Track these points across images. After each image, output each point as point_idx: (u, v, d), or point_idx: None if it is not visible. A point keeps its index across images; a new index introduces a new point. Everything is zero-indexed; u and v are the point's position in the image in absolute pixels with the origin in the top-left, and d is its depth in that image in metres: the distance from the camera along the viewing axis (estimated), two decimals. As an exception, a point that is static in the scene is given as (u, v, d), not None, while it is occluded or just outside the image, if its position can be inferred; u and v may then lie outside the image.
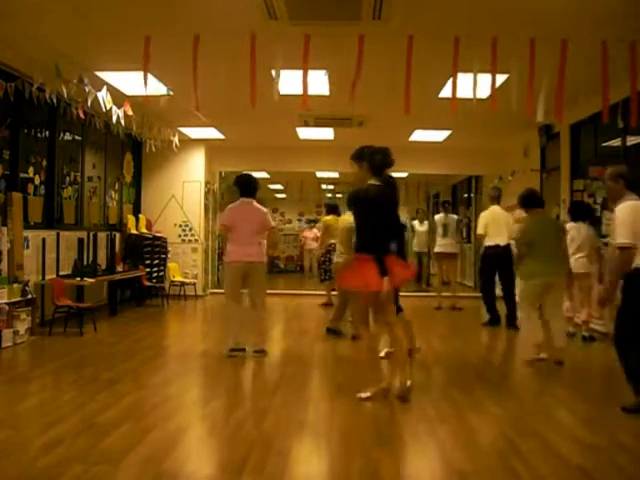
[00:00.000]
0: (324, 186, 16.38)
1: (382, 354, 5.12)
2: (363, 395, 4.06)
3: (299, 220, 19.69)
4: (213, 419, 3.79)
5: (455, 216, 9.79)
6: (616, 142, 6.98)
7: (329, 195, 17.43)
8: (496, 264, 7.39)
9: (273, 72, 4.99)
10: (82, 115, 6.19)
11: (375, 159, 4.12)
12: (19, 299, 6.10)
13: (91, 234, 7.92)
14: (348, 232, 5.23)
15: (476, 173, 12.04)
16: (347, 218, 5.77)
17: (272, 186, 17.17)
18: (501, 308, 7.39)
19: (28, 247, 6.67)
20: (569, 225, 6.23)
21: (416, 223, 12.14)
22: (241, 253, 5.49)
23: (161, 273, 9.93)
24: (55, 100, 5.78)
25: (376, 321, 4.23)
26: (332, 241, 8.10)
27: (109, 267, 8.29)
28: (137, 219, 9.90)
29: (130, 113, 6.62)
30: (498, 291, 7.52)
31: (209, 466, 3.10)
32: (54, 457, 2.96)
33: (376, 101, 7.03)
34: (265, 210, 5.80)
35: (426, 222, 11.87)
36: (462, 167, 11.41)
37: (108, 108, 6.22)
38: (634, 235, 3.75)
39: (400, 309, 5.37)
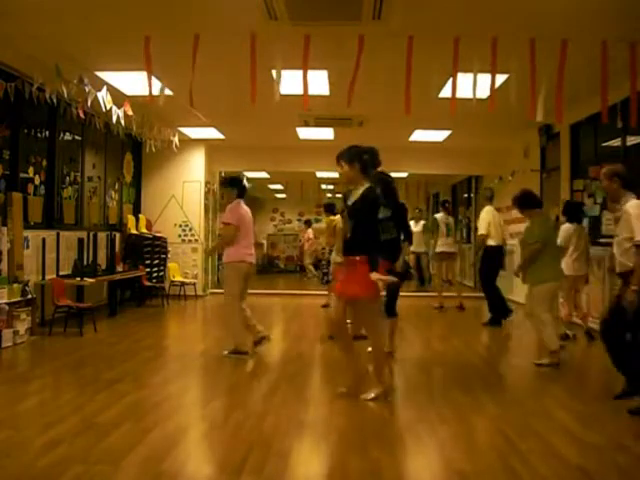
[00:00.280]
0: (324, 186, 16.38)
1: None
2: (367, 396, 4.04)
3: (299, 220, 19.70)
4: (213, 419, 3.79)
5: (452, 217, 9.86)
6: (616, 142, 6.98)
7: (329, 195, 17.43)
8: (499, 264, 7.46)
9: (274, 73, 4.99)
10: (82, 115, 6.18)
11: (365, 159, 4.09)
12: (19, 299, 6.09)
13: (91, 234, 7.92)
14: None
15: (476, 173, 12.05)
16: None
17: (272, 186, 17.19)
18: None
19: (28, 247, 6.67)
20: (568, 226, 6.21)
21: (412, 223, 12.11)
22: (247, 254, 5.51)
23: (161, 273, 9.93)
24: (55, 100, 5.78)
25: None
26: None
27: (109, 267, 8.29)
28: (137, 219, 9.90)
29: (130, 113, 6.63)
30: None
31: (209, 466, 3.10)
32: (54, 457, 2.96)
33: (376, 101, 7.03)
34: None
35: (422, 222, 11.85)
36: (462, 167, 11.41)
37: (108, 108, 6.22)
38: None
39: (394, 314, 5.37)
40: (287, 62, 4.92)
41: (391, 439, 3.42)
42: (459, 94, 4.96)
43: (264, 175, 13.93)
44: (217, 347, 5.79)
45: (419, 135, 9.57)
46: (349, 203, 4.12)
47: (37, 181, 7.08)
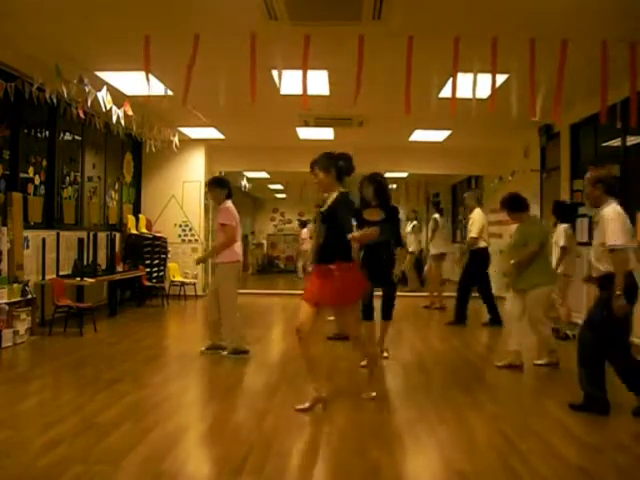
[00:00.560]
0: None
1: (363, 362, 5.13)
2: (300, 406, 3.87)
3: (299, 220, 19.72)
4: (213, 419, 3.79)
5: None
6: (616, 142, 6.98)
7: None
8: (487, 265, 7.54)
9: (275, 73, 4.99)
10: (82, 115, 6.19)
11: (340, 165, 4.05)
12: (19, 299, 6.10)
13: (91, 234, 7.92)
14: None
15: (476, 173, 12.06)
16: None
17: (272, 186, 17.18)
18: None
19: (28, 247, 6.67)
20: (565, 226, 6.20)
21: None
22: (240, 253, 5.57)
23: (161, 273, 9.94)
24: (55, 100, 5.78)
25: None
26: None
27: (109, 267, 8.29)
28: (137, 219, 9.90)
29: (130, 113, 6.63)
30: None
31: (209, 466, 3.10)
32: (54, 457, 2.97)
33: (376, 101, 7.03)
34: None
35: (414, 222, 11.82)
36: (462, 167, 11.41)
37: (108, 108, 6.23)
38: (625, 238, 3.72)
39: (389, 317, 5.35)
40: (287, 62, 4.92)
41: (391, 439, 3.42)
42: (459, 94, 4.96)
43: (264, 175, 13.93)
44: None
45: (419, 135, 9.57)
46: (323, 209, 4.09)
47: (37, 181, 7.08)
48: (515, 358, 5.12)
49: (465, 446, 3.30)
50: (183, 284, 10.14)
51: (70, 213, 7.95)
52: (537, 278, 5.00)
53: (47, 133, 7.39)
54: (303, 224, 16.30)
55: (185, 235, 10.58)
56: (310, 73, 4.92)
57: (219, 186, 5.67)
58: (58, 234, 7.28)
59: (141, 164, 10.55)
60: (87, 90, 5.78)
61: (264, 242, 19.56)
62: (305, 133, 9.56)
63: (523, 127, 8.71)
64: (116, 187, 9.58)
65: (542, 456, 3.11)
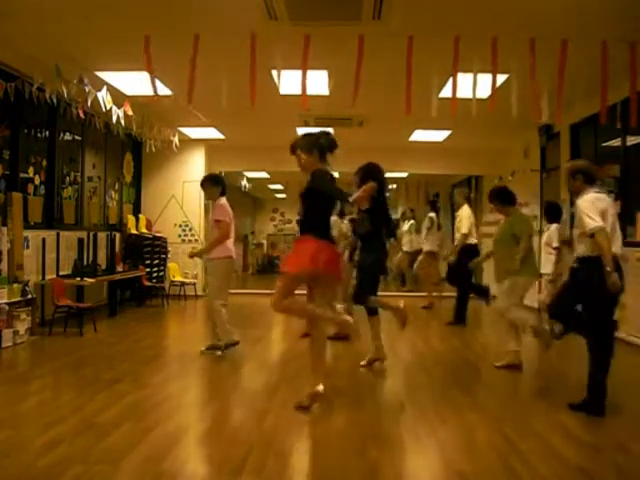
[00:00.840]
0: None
1: (364, 362, 5.12)
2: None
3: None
4: (213, 419, 3.79)
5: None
6: (616, 142, 6.98)
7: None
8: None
9: (275, 73, 4.99)
10: (82, 115, 6.19)
11: (322, 144, 4.00)
12: (19, 299, 6.10)
13: (91, 234, 7.92)
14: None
15: (476, 173, 12.05)
16: None
17: (272, 186, 17.19)
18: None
19: (28, 247, 6.67)
20: (557, 226, 6.20)
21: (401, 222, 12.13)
22: (232, 249, 5.59)
23: (161, 273, 9.94)
24: (55, 100, 5.78)
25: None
26: None
27: (109, 267, 8.29)
28: (137, 219, 9.90)
29: (130, 113, 6.63)
30: None
31: (209, 466, 3.10)
32: (54, 457, 2.97)
33: (376, 101, 7.03)
34: None
35: (412, 221, 11.81)
36: (462, 167, 11.41)
37: (108, 108, 6.23)
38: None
39: (375, 312, 5.21)
40: (287, 62, 4.92)
41: (390, 439, 3.42)
42: (459, 94, 4.96)
43: (264, 175, 13.93)
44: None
45: (419, 135, 9.58)
46: (301, 191, 4.02)
47: (37, 181, 7.08)
48: (514, 358, 5.12)
49: (465, 446, 3.30)
50: (183, 284, 10.14)
51: (70, 213, 7.95)
52: (518, 267, 5.01)
53: (47, 133, 7.39)
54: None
55: (185, 235, 10.58)
56: (310, 73, 4.92)
57: (214, 183, 5.69)
58: (58, 234, 7.28)
59: (141, 164, 10.54)
60: (87, 90, 5.78)
61: (264, 242, 19.57)
62: (305, 133, 9.55)
63: (523, 127, 8.70)
64: (116, 187, 9.58)
65: (542, 456, 3.11)
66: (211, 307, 5.54)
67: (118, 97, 6.51)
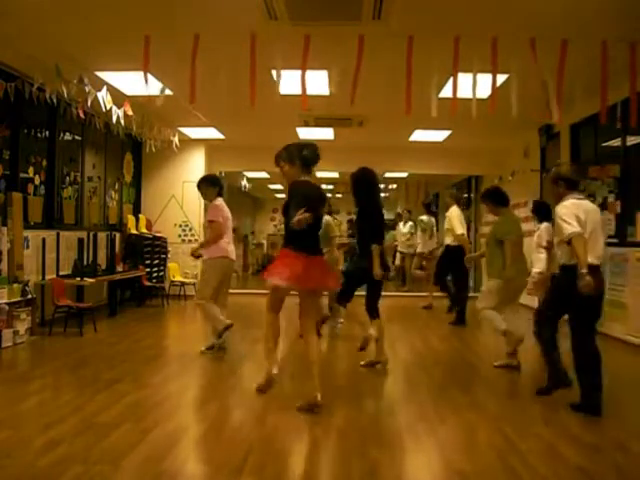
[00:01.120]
0: (324, 186, 16.39)
1: (363, 363, 5.13)
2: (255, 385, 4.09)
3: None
4: (213, 419, 3.79)
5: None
6: (616, 142, 6.98)
7: (329, 195, 17.43)
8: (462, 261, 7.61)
9: (274, 73, 4.99)
10: (82, 115, 6.19)
11: (305, 155, 4.01)
12: (19, 299, 6.10)
13: (91, 234, 7.92)
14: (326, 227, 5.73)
15: (476, 173, 12.05)
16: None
17: (272, 186, 17.19)
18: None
19: (28, 247, 6.67)
20: (545, 226, 6.18)
21: (400, 225, 12.14)
22: (229, 250, 5.58)
23: (161, 273, 9.94)
24: (55, 100, 5.78)
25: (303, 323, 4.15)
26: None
27: (109, 267, 8.29)
28: (137, 219, 9.90)
29: (130, 113, 6.63)
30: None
31: (209, 466, 3.09)
32: (54, 457, 2.97)
33: (376, 101, 7.03)
34: None
35: (410, 223, 11.82)
36: (462, 167, 11.41)
37: (108, 108, 6.23)
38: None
39: (377, 315, 5.19)
40: (287, 62, 4.92)
41: (390, 439, 3.41)
42: (459, 94, 4.96)
43: (264, 175, 13.93)
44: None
45: (419, 135, 9.58)
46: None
47: (37, 181, 7.08)
48: (512, 358, 5.12)
49: (465, 446, 3.30)
50: (183, 284, 10.13)
51: (70, 213, 7.95)
52: (497, 271, 5.04)
53: (47, 133, 7.39)
54: None
55: (185, 235, 10.58)
56: (310, 73, 4.92)
57: (210, 184, 5.72)
58: (58, 234, 7.28)
59: (141, 164, 10.54)
60: (87, 90, 5.78)
61: (264, 242, 19.56)
62: (305, 133, 9.55)
63: (523, 127, 8.71)
64: (116, 187, 9.58)
65: (542, 456, 3.11)
66: (199, 301, 5.59)
67: (118, 97, 6.51)
